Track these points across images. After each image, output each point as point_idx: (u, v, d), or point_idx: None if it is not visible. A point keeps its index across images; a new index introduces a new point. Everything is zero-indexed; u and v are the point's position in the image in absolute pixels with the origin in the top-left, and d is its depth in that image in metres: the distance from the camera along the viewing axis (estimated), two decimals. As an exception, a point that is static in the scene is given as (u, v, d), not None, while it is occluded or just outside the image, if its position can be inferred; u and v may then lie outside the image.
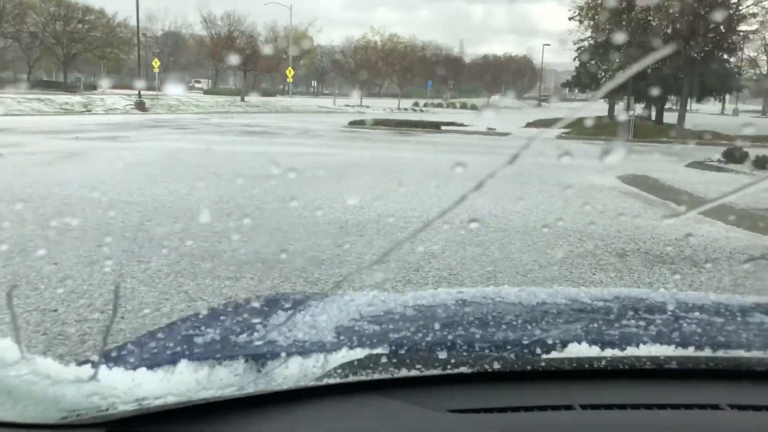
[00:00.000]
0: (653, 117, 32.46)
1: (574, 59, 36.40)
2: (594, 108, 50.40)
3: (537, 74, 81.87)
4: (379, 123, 26.84)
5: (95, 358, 0.89)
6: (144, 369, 0.89)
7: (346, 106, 55.12)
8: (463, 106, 61.74)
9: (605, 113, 35.98)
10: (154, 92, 57.16)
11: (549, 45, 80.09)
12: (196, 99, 45.41)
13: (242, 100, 47.74)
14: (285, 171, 11.28)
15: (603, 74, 33.19)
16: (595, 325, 1.13)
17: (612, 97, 34.52)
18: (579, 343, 1.02)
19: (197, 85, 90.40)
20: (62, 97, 36.99)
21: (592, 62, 33.14)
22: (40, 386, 0.76)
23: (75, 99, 36.79)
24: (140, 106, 37.72)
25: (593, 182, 11.11)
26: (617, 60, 28.37)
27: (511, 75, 76.77)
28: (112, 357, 0.99)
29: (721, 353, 1.03)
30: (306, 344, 1.01)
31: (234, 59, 47.08)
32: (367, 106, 56.23)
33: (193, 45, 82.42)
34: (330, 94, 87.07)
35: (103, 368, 0.85)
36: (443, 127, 25.88)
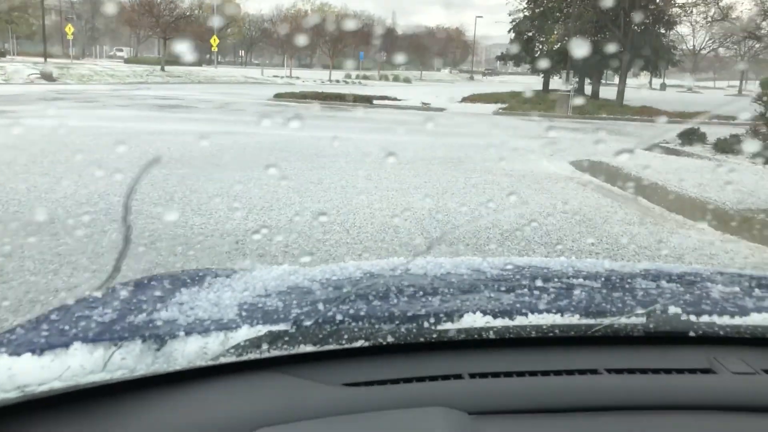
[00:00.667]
0: (587, 92, 31.54)
1: (509, 31, 35.12)
2: (527, 82, 49.62)
3: (469, 47, 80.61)
4: (306, 96, 24.80)
5: None
6: (29, 354, 0.84)
7: (275, 77, 52.54)
8: (396, 79, 59.98)
9: (540, 88, 34.93)
10: (69, 60, 53.06)
11: (481, 17, 78.79)
12: (113, 68, 42.03)
13: (162, 69, 44.57)
14: (183, 158, 9.35)
15: (539, 47, 32.03)
16: (492, 294, 1.14)
17: (547, 70, 33.48)
18: (473, 313, 1.03)
19: (119, 54, 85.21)
20: (-45, 65, 33.28)
21: (528, 34, 31.87)
22: None
23: (-29, 67, 33.11)
24: (47, 76, 34.36)
25: (545, 170, 9.63)
26: (554, 32, 27.18)
27: (443, 47, 75.33)
28: (2, 339, 0.92)
29: (601, 320, 1.05)
30: (207, 322, 0.98)
31: (151, 25, 43.92)
32: (297, 78, 53.80)
33: (113, 11, 77.33)
34: (259, 65, 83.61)
35: None
36: (375, 102, 24.09)
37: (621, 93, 24.90)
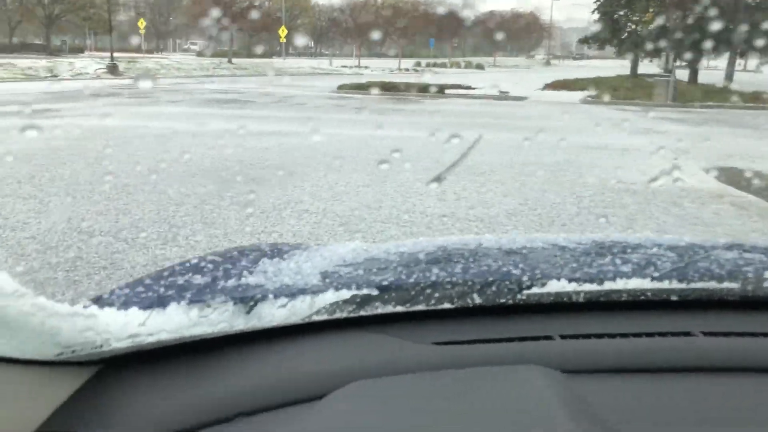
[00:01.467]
0: (681, 78, 28.21)
1: (593, 12, 32.03)
2: (610, 66, 45.99)
3: (544, 31, 76.61)
4: (373, 86, 22.76)
5: (87, 297, 0.91)
6: (135, 308, 0.89)
7: (343, 67, 50.82)
8: (468, 66, 57.24)
9: (628, 72, 31.75)
10: (141, 54, 52.93)
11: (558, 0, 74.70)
12: (180, 62, 41.19)
13: (230, 62, 43.48)
14: (214, 169, 7.46)
15: (630, 26, 28.89)
16: (574, 264, 1.14)
17: (636, 53, 30.31)
18: (558, 279, 1.03)
19: (193, 47, 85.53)
20: (26, 62, 32.96)
21: (619, 13, 28.77)
22: (37, 319, 0.75)
23: (41, 63, 32.70)
24: (113, 70, 33.63)
25: (678, 183, 7.22)
26: (650, 9, 24.14)
27: (517, 32, 71.78)
28: (103, 299, 0.97)
29: (693, 285, 1.06)
30: (293, 288, 1.01)
31: (219, 17, 42.75)
32: (366, 67, 51.93)
33: (194, 6, 77.34)
34: (329, 56, 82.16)
35: (95, 307, 0.86)
36: (448, 91, 21.79)
37: (730, 76, 21.72)
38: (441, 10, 65.66)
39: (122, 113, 14.20)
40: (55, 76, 30.98)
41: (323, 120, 13.48)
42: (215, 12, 44.76)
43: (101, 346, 0.82)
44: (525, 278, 1.03)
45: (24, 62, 32.69)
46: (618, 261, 1.14)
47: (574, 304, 1.03)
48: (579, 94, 22.01)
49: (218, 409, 0.82)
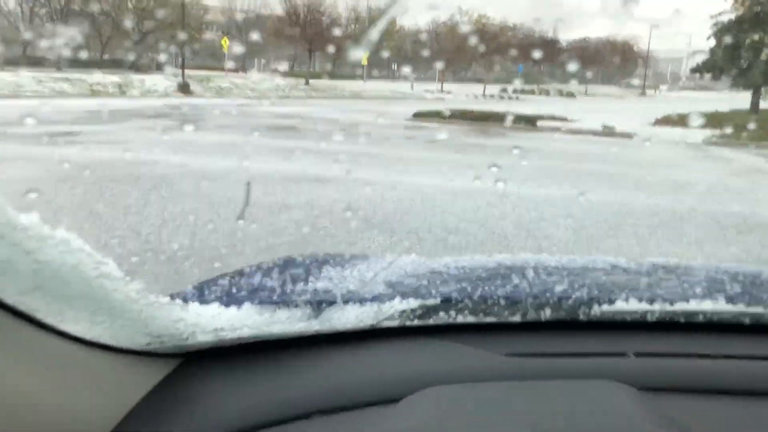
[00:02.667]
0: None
1: (709, 37, 28.04)
2: (715, 99, 41.15)
3: (637, 60, 71.42)
4: (453, 116, 19.73)
5: (175, 292, 0.96)
6: (216, 305, 0.91)
7: (425, 92, 48.13)
8: (559, 93, 53.46)
9: (745, 106, 27.46)
10: (223, 73, 51.94)
11: (657, 26, 69.67)
12: (255, 82, 39.52)
13: (306, 83, 41.53)
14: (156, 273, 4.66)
15: (752, 55, 24.90)
16: (640, 284, 1.13)
17: (758, 84, 26.15)
18: (626, 299, 1.02)
19: (280, 68, 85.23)
20: (96, 77, 31.83)
21: (746, 39, 24.76)
22: (138, 306, 0.78)
23: (110, 79, 31.48)
24: (184, 89, 32.11)
25: None
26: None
27: (609, 60, 67.14)
28: (185, 294, 0.99)
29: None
30: (360, 294, 1.02)
31: (296, 37, 41.00)
32: (448, 92, 49.12)
33: (275, 26, 76.79)
34: (411, 79, 79.81)
35: (182, 300, 0.89)
36: (540, 123, 18.51)
37: None
38: (530, 34, 62.02)
39: (147, 140, 11.78)
40: (123, 93, 29.65)
41: (387, 159, 10.58)
42: (296, 33, 43.07)
43: (187, 338, 0.84)
44: (597, 295, 1.02)
45: (96, 77, 31.56)
46: (686, 284, 1.11)
47: (646, 323, 1.02)
48: (699, 133, 18.25)
49: (296, 407, 0.83)
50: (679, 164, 12.14)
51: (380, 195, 7.08)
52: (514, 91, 54.39)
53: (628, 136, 17.47)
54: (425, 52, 64.47)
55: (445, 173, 8.97)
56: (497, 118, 18.79)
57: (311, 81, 42.67)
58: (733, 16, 26.09)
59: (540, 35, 59.45)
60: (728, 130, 17.89)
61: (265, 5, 63.00)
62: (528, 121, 18.17)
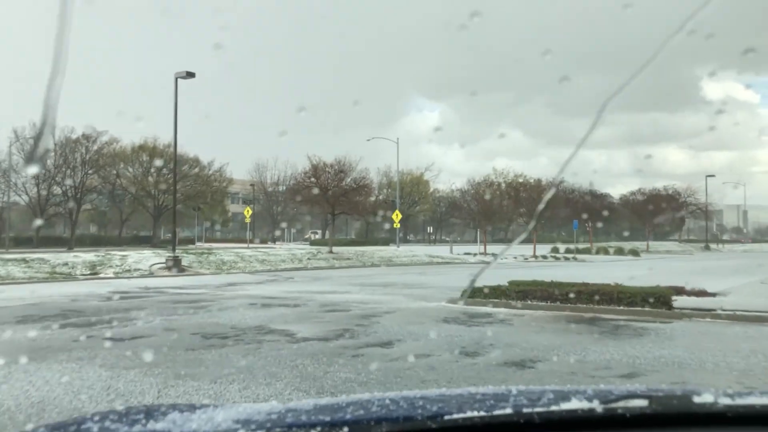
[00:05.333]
0: None
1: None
2: None
3: (699, 211, 64.43)
4: (522, 292, 12.45)
5: None
6: None
7: (466, 255, 41.50)
8: (619, 252, 46.18)
9: None
10: (246, 244, 46.52)
11: (713, 176, 63.51)
12: (268, 252, 33.36)
13: (330, 251, 35.27)
14: None
15: None
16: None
17: None
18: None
19: (315, 236, 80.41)
20: (64, 257, 25.96)
21: None
22: None
23: (83, 258, 25.50)
24: (174, 265, 25.85)
25: None
26: None
27: (662, 213, 60.18)
28: None
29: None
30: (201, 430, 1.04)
31: (323, 202, 35.42)
32: (493, 254, 42.34)
33: (301, 191, 72.80)
34: (449, 241, 73.85)
35: None
36: (677, 302, 10.98)
37: None
38: (573, 189, 55.89)
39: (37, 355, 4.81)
40: (95, 273, 23.55)
41: None
42: (320, 198, 37.88)
43: None
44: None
45: (64, 257, 25.66)
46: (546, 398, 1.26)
47: None
48: None
49: None
50: None
51: None
52: (568, 251, 47.37)
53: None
54: (462, 214, 58.83)
55: None
56: (589, 294, 11.51)
57: (337, 248, 36.45)
58: None
59: (587, 189, 53.39)
60: None
61: (293, 168, 58.29)
62: (654, 300, 10.78)
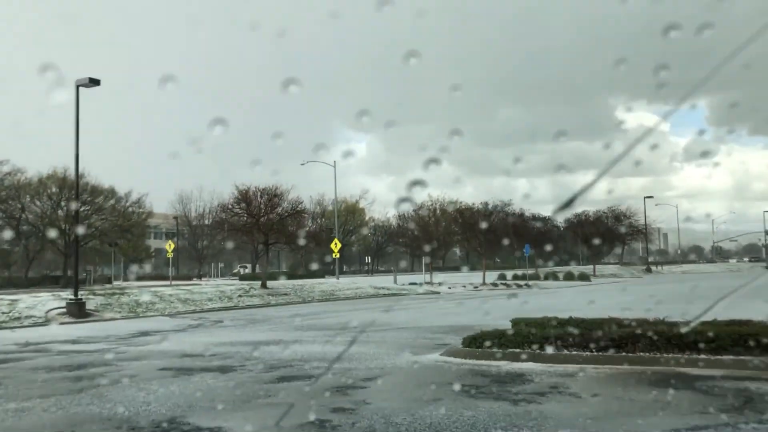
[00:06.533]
0: None
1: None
2: (737, 269, 31.62)
3: (639, 233, 63.33)
4: (544, 337, 8.97)
5: None
6: None
7: (413, 285, 38.00)
8: (569, 276, 43.80)
9: None
10: (168, 282, 41.54)
11: (651, 197, 62.77)
12: (191, 290, 28.81)
13: (263, 286, 31.02)
14: None
15: None
16: None
17: None
18: None
19: (244, 270, 75.27)
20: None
21: None
22: None
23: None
24: (77, 310, 21.17)
25: None
26: None
27: (608, 236, 58.69)
28: None
29: None
30: None
31: (248, 228, 31.33)
32: (440, 283, 39.11)
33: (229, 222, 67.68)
34: (386, 271, 70.16)
35: None
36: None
37: None
38: (514, 213, 53.46)
39: None
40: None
41: None
42: (252, 227, 33.78)
43: None
44: None
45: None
46: None
47: None
48: None
49: None
50: None
51: None
52: (515, 277, 44.70)
53: None
54: (405, 241, 55.46)
55: None
56: (646, 335, 8.16)
57: (272, 282, 32.18)
58: None
59: (532, 214, 51.05)
60: None
61: (220, 197, 53.44)
62: (755, 343, 7.49)
